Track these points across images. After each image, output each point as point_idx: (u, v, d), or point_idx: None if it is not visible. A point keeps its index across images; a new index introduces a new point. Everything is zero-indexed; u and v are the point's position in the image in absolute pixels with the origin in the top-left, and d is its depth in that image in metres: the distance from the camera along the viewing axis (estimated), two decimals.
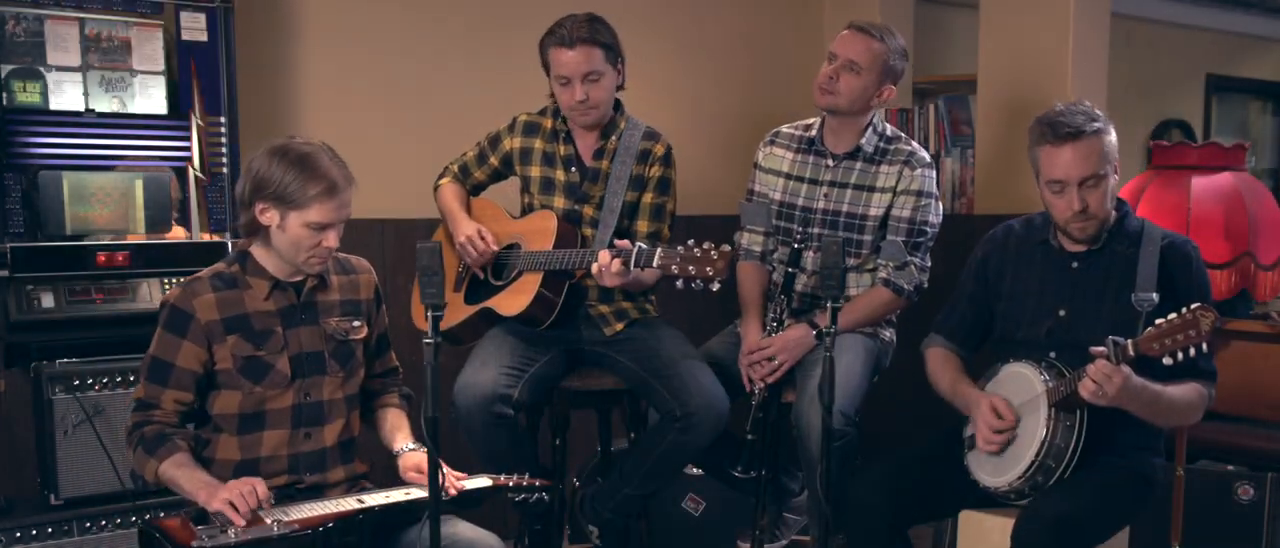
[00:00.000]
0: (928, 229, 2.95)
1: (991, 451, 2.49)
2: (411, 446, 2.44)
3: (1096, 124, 2.47)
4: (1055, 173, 2.48)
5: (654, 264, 2.50)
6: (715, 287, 2.43)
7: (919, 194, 2.92)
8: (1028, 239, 2.68)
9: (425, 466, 2.31)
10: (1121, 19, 4.74)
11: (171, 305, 2.31)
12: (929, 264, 2.98)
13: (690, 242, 2.45)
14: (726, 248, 2.43)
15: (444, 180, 3.06)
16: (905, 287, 2.92)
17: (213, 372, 2.32)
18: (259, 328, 2.33)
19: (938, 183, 2.99)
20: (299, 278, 2.39)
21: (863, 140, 2.96)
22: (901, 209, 2.93)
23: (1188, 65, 6.43)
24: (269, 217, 2.29)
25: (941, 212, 3.01)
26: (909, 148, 2.97)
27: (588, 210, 2.89)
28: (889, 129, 3.02)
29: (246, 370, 2.31)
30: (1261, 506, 3.20)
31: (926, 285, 2.97)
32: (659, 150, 2.90)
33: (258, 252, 2.36)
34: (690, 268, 2.44)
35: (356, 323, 2.45)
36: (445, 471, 2.35)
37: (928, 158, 2.98)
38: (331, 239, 2.31)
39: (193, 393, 2.31)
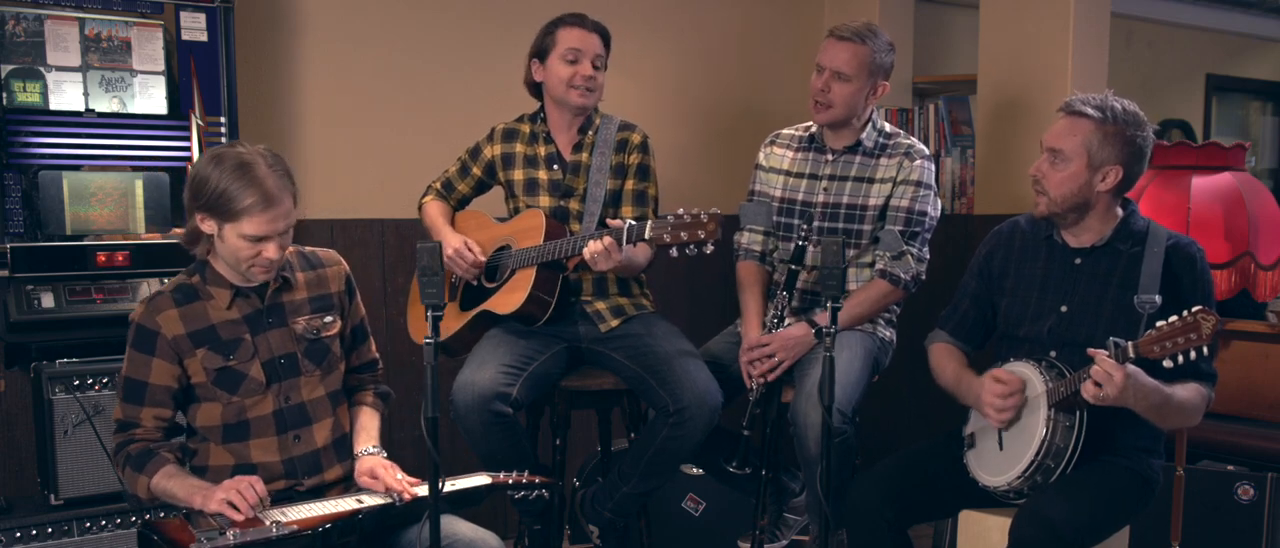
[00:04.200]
0: (925, 220, 2.96)
1: (1004, 420, 2.48)
2: (372, 448, 2.40)
3: (1094, 112, 2.47)
4: (1043, 134, 2.56)
5: (645, 236, 2.54)
6: (708, 249, 2.47)
7: (918, 184, 2.95)
8: (1033, 236, 2.68)
9: (380, 471, 2.31)
10: (1121, 19, 4.74)
11: (137, 324, 2.29)
12: (927, 256, 2.99)
13: (678, 210, 2.49)
14: (715, 211, 2.48)
15: (427, 199, 3.10)
16: (902, 276, 2.93)
17: (189, 386, 2.30)
18: (226, 338, 2.30)
19: (937, 179, 3.00)
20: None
21: (862, 136, 3.01)
22: (900, 198, 2.95)
23: (1188, 65, 6.43)
24: (208, 226, 2.25)
25: (940, 206, 3.03)
26: (908, 142, 3.02)
27: (573, 204, 2.92)
28: (888, 126, 3.06)
29: (220, 382, 2.29)
30: (1261, 506, 3.20)
31: (924, 277, 2.98)
32: (636, 138, 2.97)
33: (216, 260, 2.33)
34: (681, 234, 2.48)
35: (328, 319, 2.42)
36: (401, 476, 2.31)
37: (926, 151, 3.01)
38: (271, 251, 2.25)
39: (171, 408, 2.30)
